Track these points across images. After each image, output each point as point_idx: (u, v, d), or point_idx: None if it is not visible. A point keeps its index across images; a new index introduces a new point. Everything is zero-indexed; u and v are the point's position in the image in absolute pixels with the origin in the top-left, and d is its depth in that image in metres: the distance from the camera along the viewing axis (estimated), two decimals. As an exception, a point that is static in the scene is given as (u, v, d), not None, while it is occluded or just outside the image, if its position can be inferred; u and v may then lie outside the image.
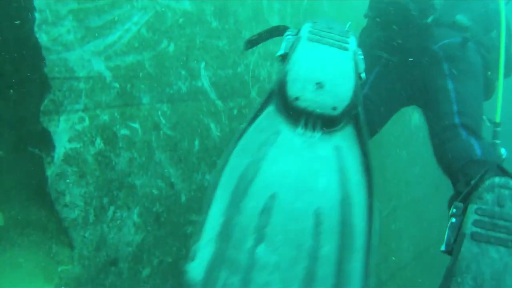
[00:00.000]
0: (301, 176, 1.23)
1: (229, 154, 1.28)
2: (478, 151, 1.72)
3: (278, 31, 1.50)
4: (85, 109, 1.66)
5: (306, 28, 1.37)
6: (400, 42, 2.11)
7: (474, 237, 1.23)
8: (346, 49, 1.33)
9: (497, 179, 1.32)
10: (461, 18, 2.11)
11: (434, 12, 2.02)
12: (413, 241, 3.92)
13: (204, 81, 2.06)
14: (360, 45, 2.56)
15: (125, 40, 1.80)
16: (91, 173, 1.66)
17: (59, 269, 1.56)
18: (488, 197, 1.27)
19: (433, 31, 2.08)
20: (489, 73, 2.18)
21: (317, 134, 1.24)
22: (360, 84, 1.35)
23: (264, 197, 1.22)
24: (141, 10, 1.84)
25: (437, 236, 2.33)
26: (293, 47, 1.33)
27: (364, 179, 1.30)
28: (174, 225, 1.93)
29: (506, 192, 1.26)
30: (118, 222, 1.74)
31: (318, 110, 1.23)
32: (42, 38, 1.57)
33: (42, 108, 1.55)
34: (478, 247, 1.20)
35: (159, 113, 1.89)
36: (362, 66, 1.38)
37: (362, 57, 1.41)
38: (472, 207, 1.30)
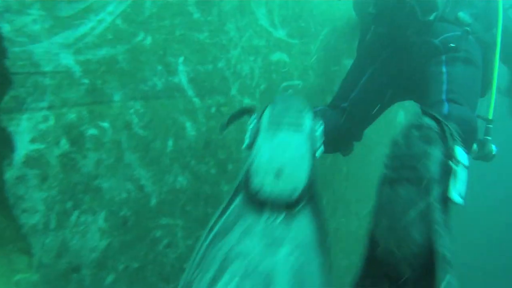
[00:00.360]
0: (263, 249, 1.30)
1: (199, 249, 1.34)
2: (445, 112, 1.73)
3: (246, 112, 1.58)
4: (50, 107, 1.55)
5: (266, 115, 1.45)
6: (402, 37, 2.13)
7: (388, 180, 1.33)
8: (301, 130, 1.41)
9: (412, 122, 1.38)
10: (463, 15, 2.15)
11: (436, 10, 2.03)
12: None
13: (182, 77, 1.95)
14: (360, 41, 2.56)
15: (97, 31, 1.67)
16: (54, 176, 1.56)
17: (16, 277, 1.48)
18: (401, 140, 1.36)
19: (435, 27, 2.10)
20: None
21: (280, 217, 1.32)
22: (316, 162, 1.42)
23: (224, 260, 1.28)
24: (117, -1, 1.71)
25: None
26: (255, 137, 1.42)
27: (320, 251, 1.37)
28: (142, 229, 1.85)
29: (416, 133, 1.34)
30: (82, 227, 1.65)
31: (277, 200, 1.32)
32: (5, 28, 1.45)
33: (2, 105, 1.44)
34: (391, 189, 1.30)
35: (132, 111, 1.78)
36: (319, 142, 1.46)
37: (322, 128, 1.49)
38: (390, 154, 1.40)
